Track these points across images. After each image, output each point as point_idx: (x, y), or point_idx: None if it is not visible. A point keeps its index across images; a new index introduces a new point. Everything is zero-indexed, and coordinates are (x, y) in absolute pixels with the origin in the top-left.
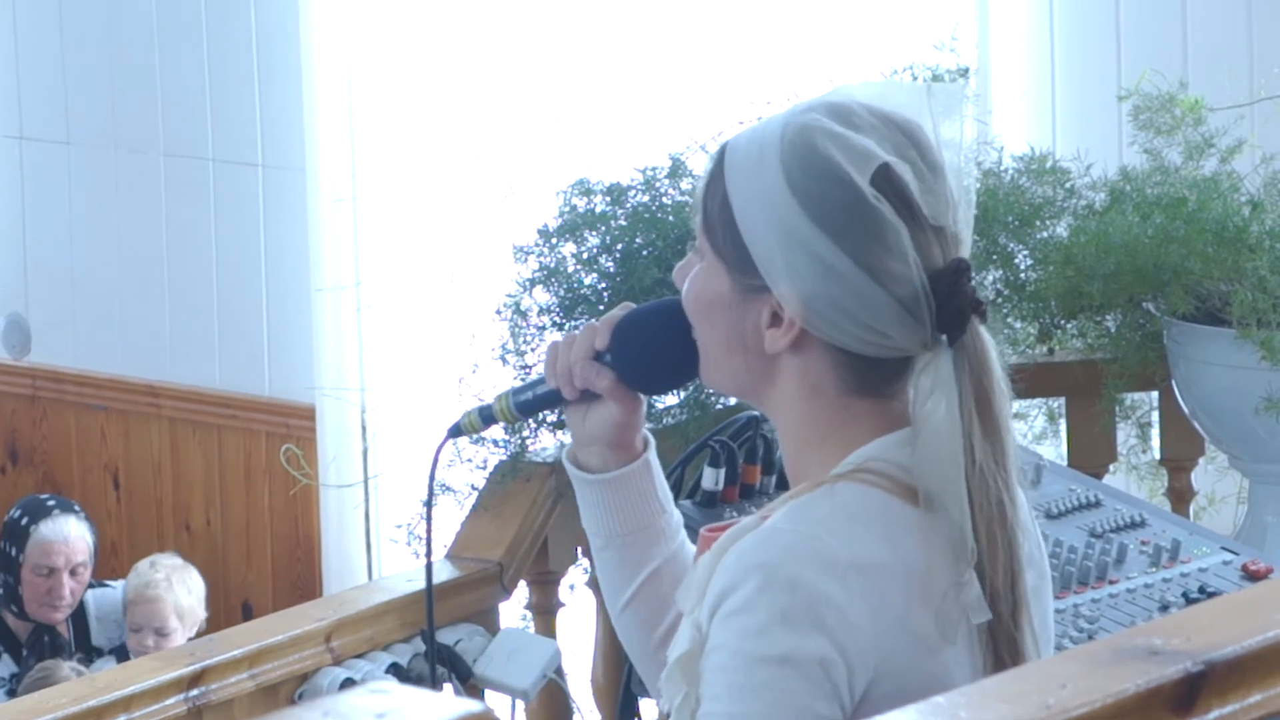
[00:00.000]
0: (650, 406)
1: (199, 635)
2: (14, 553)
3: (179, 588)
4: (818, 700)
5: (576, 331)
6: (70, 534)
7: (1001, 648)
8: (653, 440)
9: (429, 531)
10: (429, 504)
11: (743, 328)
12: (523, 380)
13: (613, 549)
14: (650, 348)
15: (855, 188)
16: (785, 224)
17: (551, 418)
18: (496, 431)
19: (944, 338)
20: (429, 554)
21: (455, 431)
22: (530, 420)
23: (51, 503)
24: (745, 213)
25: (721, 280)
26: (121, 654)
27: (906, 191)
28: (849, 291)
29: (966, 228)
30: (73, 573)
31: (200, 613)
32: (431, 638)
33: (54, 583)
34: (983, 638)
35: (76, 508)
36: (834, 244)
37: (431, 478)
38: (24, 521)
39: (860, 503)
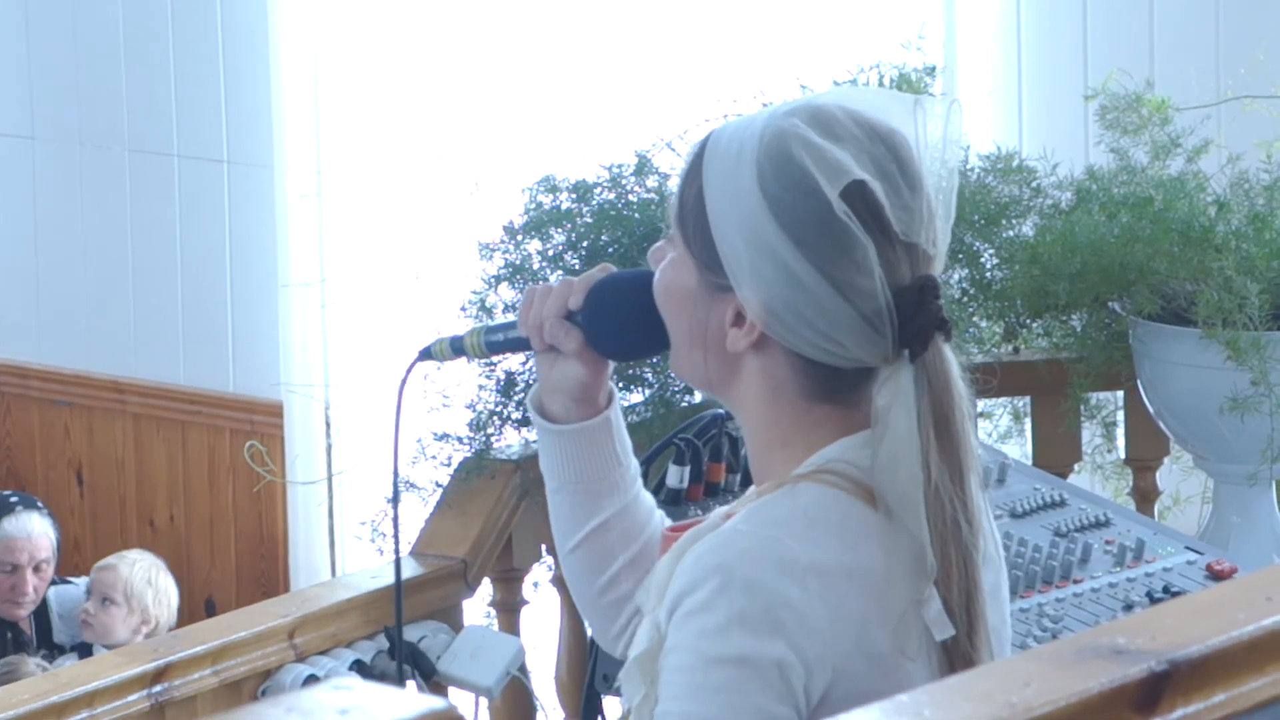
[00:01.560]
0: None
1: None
2: None
3: (139, 572)
4: (773, 702)
5: (554, 283)
6: (34, 530)
7: (958, 666)
8: (617, 394)
9: (395, 458)
10: (397, 424)
11: (707, 324)
12: (501, 319)
13: (565, 494)
14: (622, 317)
15: (824, 201)
16: (754, 228)
17: (516, 415)
18: (461, 428)
19: (906, 353)
20: (395, 480)
21: (425, 354)
22: (494, 356)
23: (14, 499)
24: (717, 211)
25: (690, 274)
26: (84, 651)
27: (878, 208)
28: (811, 301)
29: (943, 242)
30: (36, 569)
31: (151, 609)
32: (398, 574)
33: (18, 579)
34: (938, 658)
35: (39, 504)
36: (800, 254)
37: (400, 395)
38: None
39: (820, 505)
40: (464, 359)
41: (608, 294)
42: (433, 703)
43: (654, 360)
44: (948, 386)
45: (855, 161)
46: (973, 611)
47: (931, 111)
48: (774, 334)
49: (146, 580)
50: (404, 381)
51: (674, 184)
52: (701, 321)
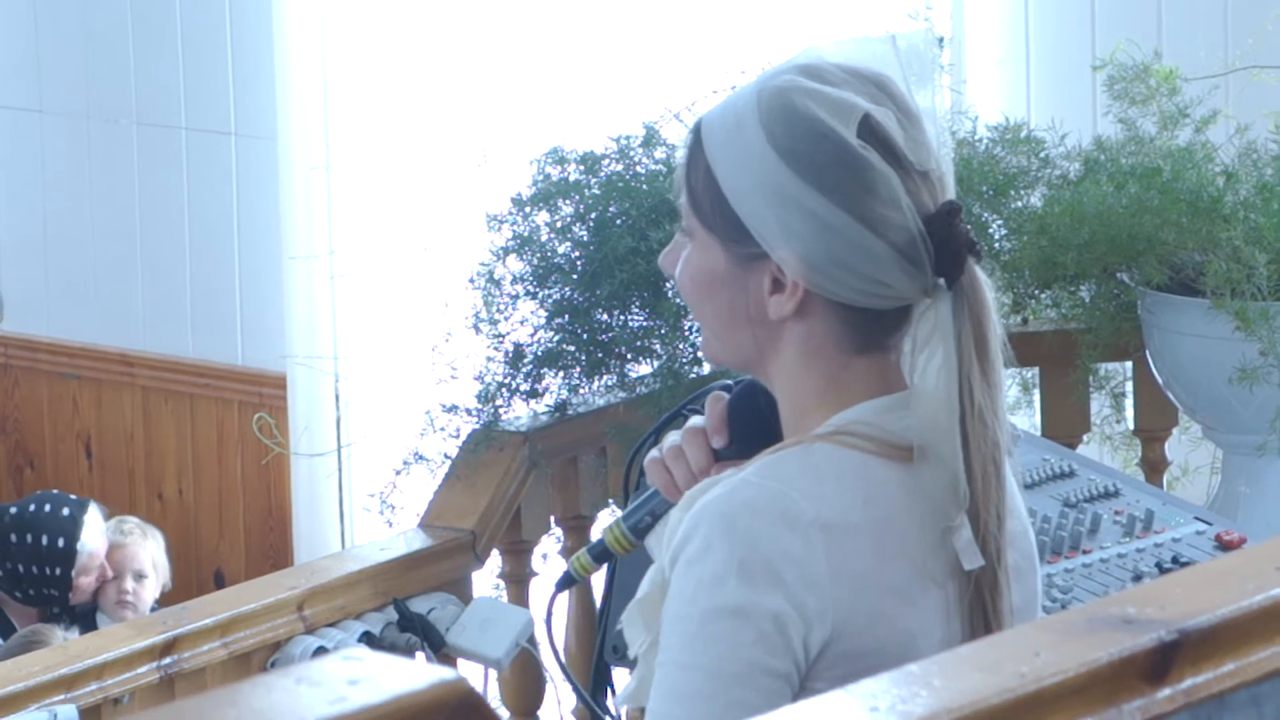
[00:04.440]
0: (624, 377)
1: (161, 600)
2: (59, 572)
3: (150, 540)
4: (768, 655)
5: (673, 443)
6: (102, 526)
7: (984, 587)
8: None
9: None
10: (556, 653)
11: (745, 299)
12: (624, 505)
13: None
14: (766, 426)
15: (841, 140)
16: (775, 187)
17: (525, 386)
18: (470, 400)
19: (942, 282)
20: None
21: (567, 581)
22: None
23: (66, 510)
24: (732, 182)
25: (716, 255)
26: (86, 621)
27: (890, 139)
28: (847, 245)
29: (949, 171)
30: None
31: (165, 572)
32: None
33: (103, 570)
34: (965, 581)
35: (73, 498)
36: (827, 199)
37: (549, 624)
38: (62, 544)
39: (833, 464)
40: (609, 561)
41: (745, 415)
42: (443, 673)
43: (662, 331)
44: (985, 309)
45: (858, 98)
46: (1003, 533)
47: (911, 48)
48: (816, 288)
49: (156, 544)
50: (550, 608)
51: (677, 168)
52: (739, 297)
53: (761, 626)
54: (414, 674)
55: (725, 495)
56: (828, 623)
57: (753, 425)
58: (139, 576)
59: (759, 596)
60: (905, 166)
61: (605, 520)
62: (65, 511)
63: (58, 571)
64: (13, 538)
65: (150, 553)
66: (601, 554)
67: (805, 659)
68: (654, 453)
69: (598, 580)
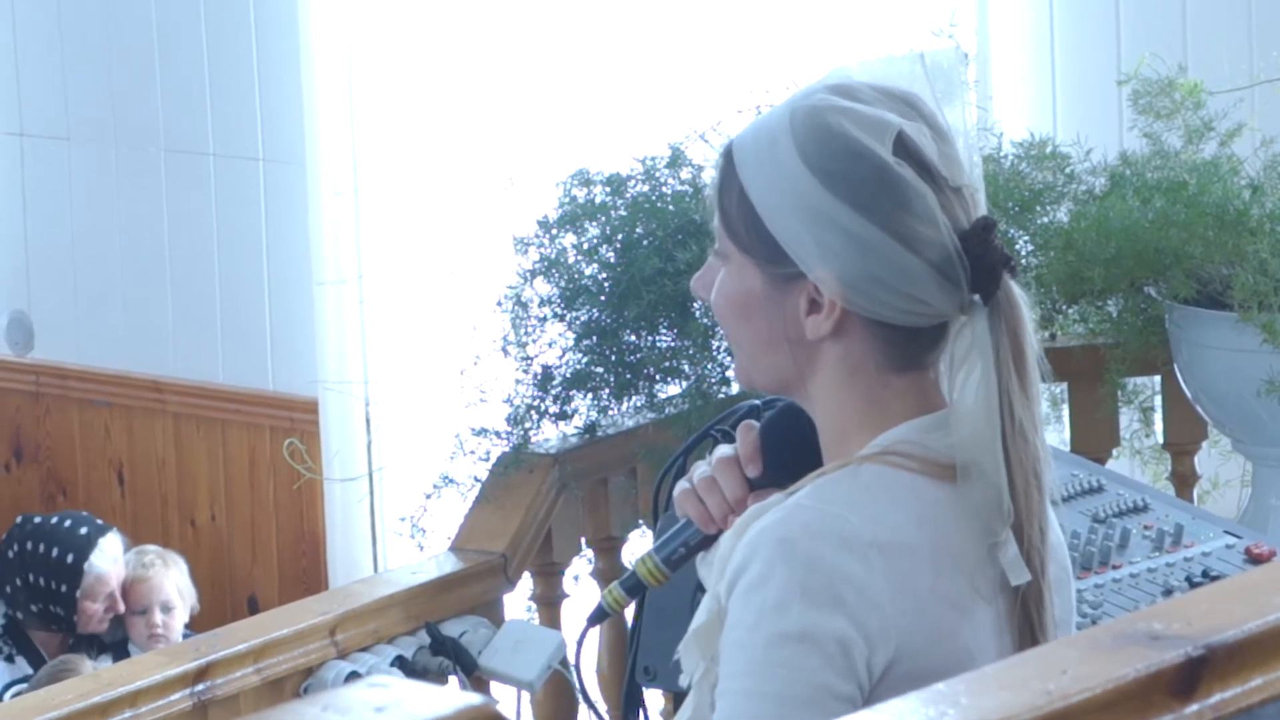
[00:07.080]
0: (652, 397)
1: (192, 625)
2: (65, 589)
3: (173, 568)
4: (835, 678)
5: (704, 473)
6: (118, 555)
7: (1030, 601)
8: None
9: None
10: (582, 687)
11: (782, 320)
12: (656, 535)
13: None
14: (802, 451)
15: (876, 158)
16: (810, 206)
17: (554, 409)
18: (499, 423)
19: (978, 298)
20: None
21: (600, 615)
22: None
23: (84, 529)
24: (767, 202)
25: (753, 276)
26: (119, 650)
27: (924, 155)
28: (884, 263)
29: (981, 187)
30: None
31: (192, 596)
32: None
33: (111, 602)
34: (1014, 596)
35: (98, 521)
36: (863, 217)
37: (578, 657)
38: (71, 559)
39: (884, 484)
40: (642, 594)
41: (777, 443)
42: (469, 699)
43: (690, 352)
44: (1021, 323)
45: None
46: (1045, 546)
47: (939, 66)
48: (854, 306)
49: (180, 570)
50: (581, 642)
51: (709, 192)
52: (777, 319)
53: (826, 650)
54: (441, 699)
55: (782, 520)
56: (891, 644)
57: (785, 452)
58: (166, 608)
59: (823, 620)
60: (939, 183)
61: (636, 542)
62: (83, 530)
63: (63, 588)
64: (29, 545)
65: (174, 581)
66: (634, 587)
67: (869, 681)
68: (683, 483)
69: None
